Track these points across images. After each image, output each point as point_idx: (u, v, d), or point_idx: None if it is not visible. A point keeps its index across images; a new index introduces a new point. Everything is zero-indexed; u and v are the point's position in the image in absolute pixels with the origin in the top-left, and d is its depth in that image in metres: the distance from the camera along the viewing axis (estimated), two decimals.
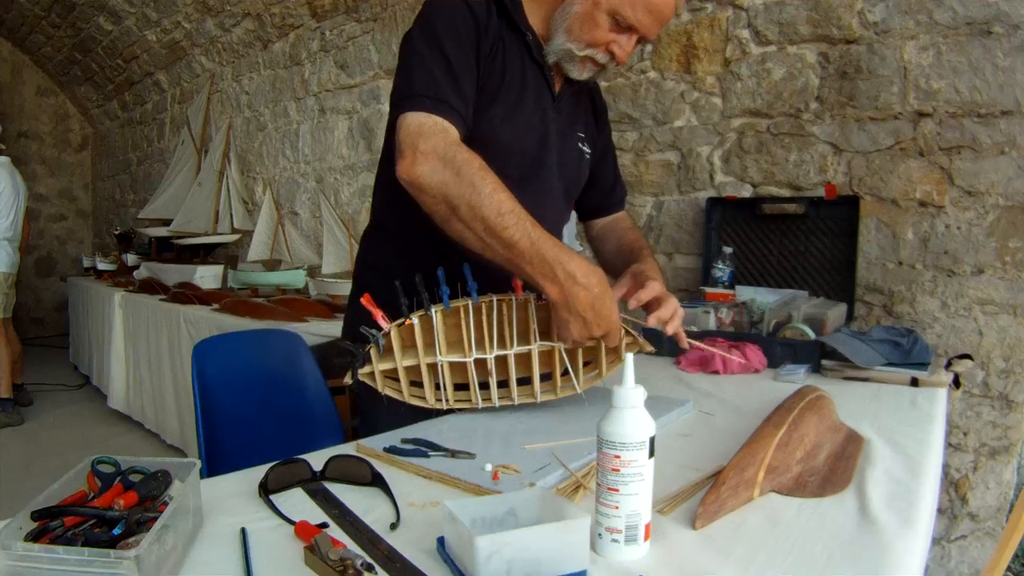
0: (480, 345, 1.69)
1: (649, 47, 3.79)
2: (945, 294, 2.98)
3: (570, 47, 1.89)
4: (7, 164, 6.65)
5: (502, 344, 1.71)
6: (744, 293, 3.09)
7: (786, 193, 3.39)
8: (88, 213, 12.09)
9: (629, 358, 1.08)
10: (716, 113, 3.59)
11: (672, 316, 1.80)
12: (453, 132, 1.67)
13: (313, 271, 5.73)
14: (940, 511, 2.97)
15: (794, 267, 3.30)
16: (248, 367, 2.78)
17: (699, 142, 3.65)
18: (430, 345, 1.68)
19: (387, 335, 1.66)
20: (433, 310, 1.66)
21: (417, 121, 1.65)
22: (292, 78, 6.59)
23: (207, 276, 6.32)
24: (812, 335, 2.58)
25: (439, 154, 1.60)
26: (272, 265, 6.05)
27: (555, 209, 2.07)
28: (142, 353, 5.90)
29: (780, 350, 2.59)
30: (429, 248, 1.78)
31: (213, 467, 2.47)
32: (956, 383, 2.54)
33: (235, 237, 6.85)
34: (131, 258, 8.11)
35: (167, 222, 7.28)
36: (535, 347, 1.71)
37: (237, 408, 2.65)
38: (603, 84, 3.90)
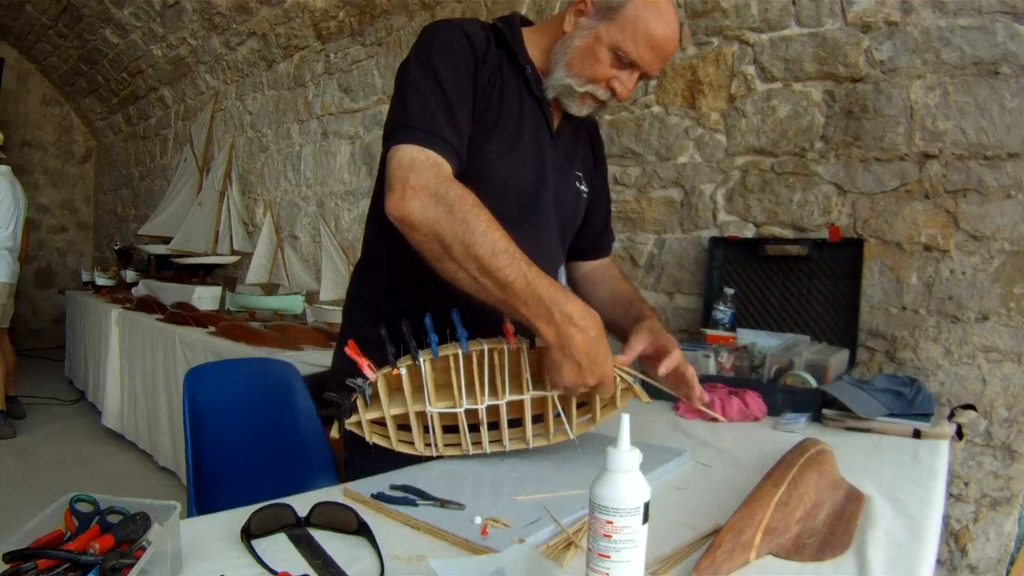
0: (471, 391, 1.64)
1: (654, 81, 3.76)
2: (949, 341, 2.93)
3: (570, 82, 1.87)
4: (8, 173, 6.66)
5: (493, 392, 1.65)
6: (745, 336, 3.05)
7: (789, 234, 3.35)
8: (89, 226, 12.08)
9: (625, 419, 1.04)
10: (720, 150, 3.56)
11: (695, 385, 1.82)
12: (446, 167, 1.62)
13: (311, 297, 5.70)
14: (939, 562, 2.92)
15: (796, 310, 3.26)
16: (240, 396, 2.76)
17: (702, 179, 3.62)
18: (419, 390, 1.64)
19: (373, 384, 1.62)
20: (421, 359, 1.61)
21: (409, 155, 1.60)
22: (296, 100, 6.59)
23: (205, 297, 6.28)
24: (814, 383, 2.54)
25: (431, 190, 1.55)
26: (270, 289, 6.02)
27: (551, 249, 2.03)
28: (137, 372, 5.87)
29: (781, 397, 2.54)
30: (420, 286, 1.71)
31: (202, 495, 2.45)
32: (959, 434, 2.50)
33: (234, 259, 6.83)
34: (130, 274, 8.10)
35: (167, 240, 7.27)
36: (528, 396, 1.66)
37: (228, 437, 2.63)
38: (606, 117, 3.89)
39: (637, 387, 1.69)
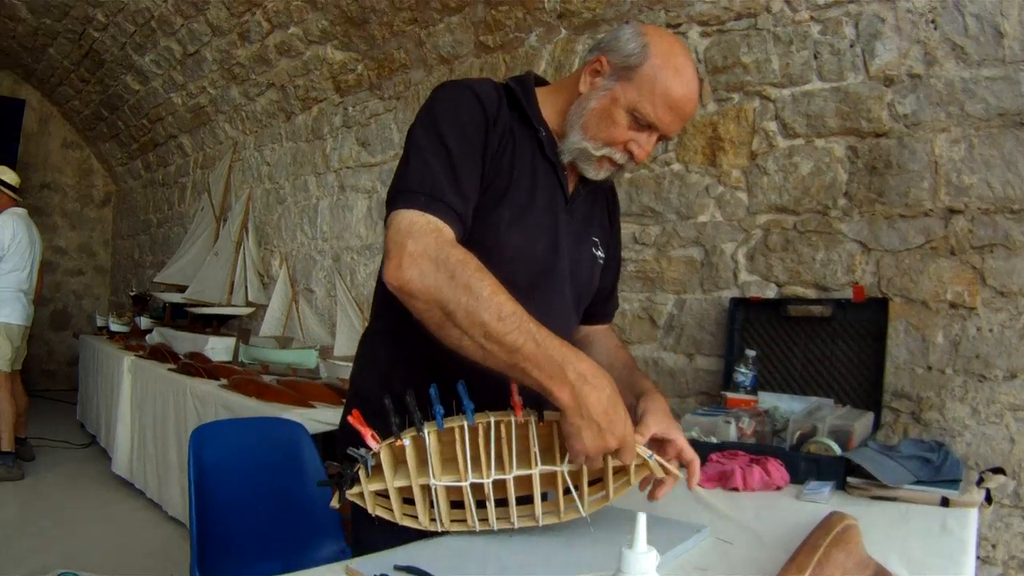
0: (476, 465, 1.57)
1: (674, 138, 3.73)
2: (976, 400, 2.86)
3: (586, 146, 1.80)
4: (24, 216, 6.70)
5: (500, 466, 1.58)
6: (767, 400, 2.98)
7: (812, 293, 3.29)
8: (106, 270, 12.11)
9: (641, 519, 0.97)
10: (741, 208, 3.51)
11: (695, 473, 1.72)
12: (448, 232, 1.56)
13: (325, 352, 5.64)
14: None
15: (819, 371, 3.19)
16: (247, 455, 2.74)
17: (723, 238, 3.57)
18: (424, 463, 1.57)
19: (377, 455, 1.55)
20: (426, 430, 1.54)
21: (408, 220, 1.55)
22: (314, 152, 6.58)
23: (218, 348, 6.25)
24: (838, 450, 2.46)
25: (430, 255, 1.49)
26: (284, 342, 5.98)
27: (564, 319, 1.94)
28: (148, 421, 5.82)
29: (804, 465, 2.46)
30: (427, 355, 1.64)
31: (206, 555, 2.43)
32: (988, 499, 2.42)
33: (249, 310, 6.80)
34: (145, 321, 8.08)
35: (182, 288, 7.25)
36: (536, 471, 1.58)
37: (234, 496, 2.60)
38: (626, 175, 3.85)
39: (652, 462, 1.61)
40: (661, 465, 1.60)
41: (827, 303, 3.18)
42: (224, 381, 4.95)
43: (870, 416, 2.86)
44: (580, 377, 1.43)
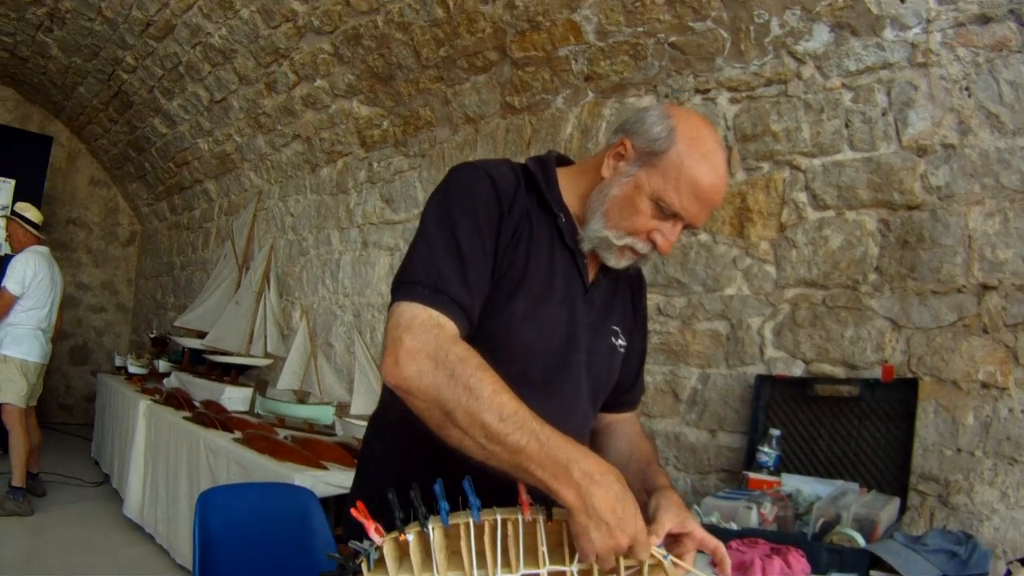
0: (482, 562, 1.51)
1: None
2: (1005, 484, 2.78)
3: (607, 234, 1.73)
4: (47, 254, 6.73)
5: (506, 564, 1.52)
6: (790, 482, 2.93)
7: (840, 371, 3.22)
8: (128, 308, 12.13)
9: None
10: (769, 282, 3.46)
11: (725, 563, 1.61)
12: (450, 327, 1.52)
13: (342, 409, 5.58)
14: None
15: (845, 452, 3.11)
16: (254, 522, 2.69)
17: (750, 312, 3.51)
18: (428, 559, 1.51)
19: (380, 548, 1.49)
20: (430, 526, 1.48)
21: (409, 313, 1.51)
22: (337, 206, 6.57)
23: (235, 398, 6.21)
24: (862, 542, 2.40)
25: (429, 353, 1.46)
26: (301, 395, 5.93)
27: (581, 412, 1.87)
28: (160, 467, 5.78)
29: (827, 557, 2.39)
30: (432, 449, 1.59)
31: None
32: None
33: (267, 362, 6.75)
34: (163, 364, 8.06)
35: (202, 334, 7.23)
36: (544, 571, 1.52)
37: (239, 565, 2.55)
38: None
39: (668, 563, 1.55)
40: (676, 564, 1.53)
41: (855, 383, 3.12)
42: (238, 434, 4.90)
43: (896, 502, 2.79)
44: (586, 476, 1.39)
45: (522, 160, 1.86)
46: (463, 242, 1.60)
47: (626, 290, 2.02)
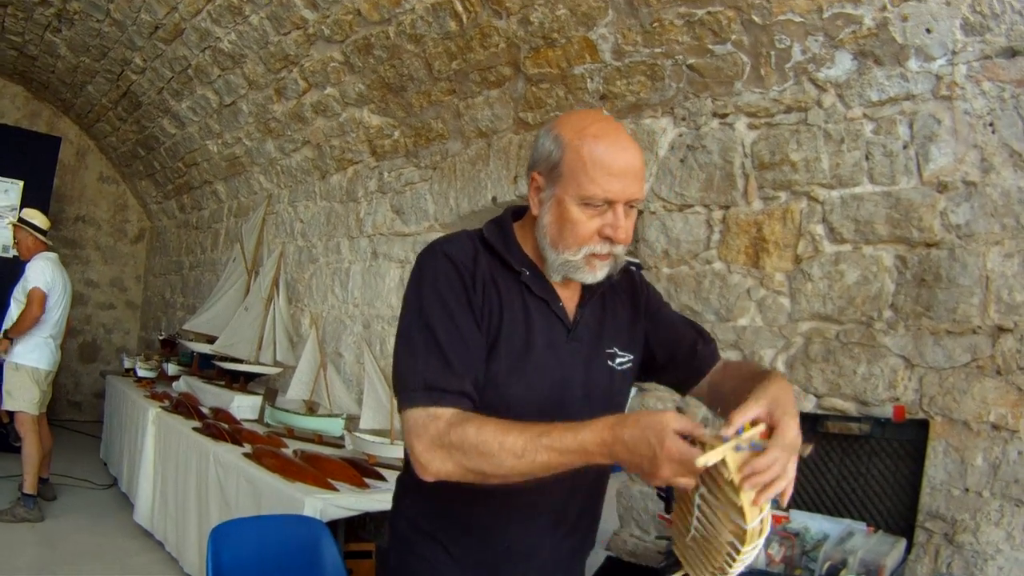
0: None
1: (716, 235, 3.62)
2: (1011, 525, 2.75)
3: (565, 257, 1.78)
4: (56, 260, 6.78)
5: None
6: (798, 519, 2.93)
7: (851, 407, 3.19)
8: (137, 305, 12.17)
9: None
10: (783, 314, 3.41)
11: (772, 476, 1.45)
12: (446, 415, 1.64)
13: (351, 421, 5.54)
14: None
15: (853, 490, 3.10)
16: (265, 557, 2.75)
17: (763, 344, 3.47)
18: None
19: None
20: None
21: (412, 419, 1.67)
22: (348, 214, 6.53)
23: (244, 406, 6.23)
24: None
25: (437, 445, 1.62)
26: (311, 405, 5.90)
27: None
28: (170, 476, 5.78)
29: None
30: (458, 507, 1.82)
31: None
32: None
33: (277, 371, 6.74)
34: (172, 367, 8.08)
35: (211, 339, 7.20)
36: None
37: None
38: (664, 271, 3.76)
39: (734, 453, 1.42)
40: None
41: (866, 420, 3.09)
42: (247, 448, 4.88)
43: (903, 543, 2.80)
44: (601, 445, 1.51)
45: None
46: (438, 331, 1.71)
47: (616, 300, 2.03)
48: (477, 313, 1.76)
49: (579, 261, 1.77)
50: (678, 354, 2.08)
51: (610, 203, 1.71)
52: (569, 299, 1.90)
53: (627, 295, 2.05)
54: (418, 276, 1.80)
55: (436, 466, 1.62)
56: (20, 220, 6.73)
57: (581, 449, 1.52)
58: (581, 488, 1.93)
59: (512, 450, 1.54)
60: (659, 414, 1.47)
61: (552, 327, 1.85)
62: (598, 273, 1.79)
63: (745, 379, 1.84)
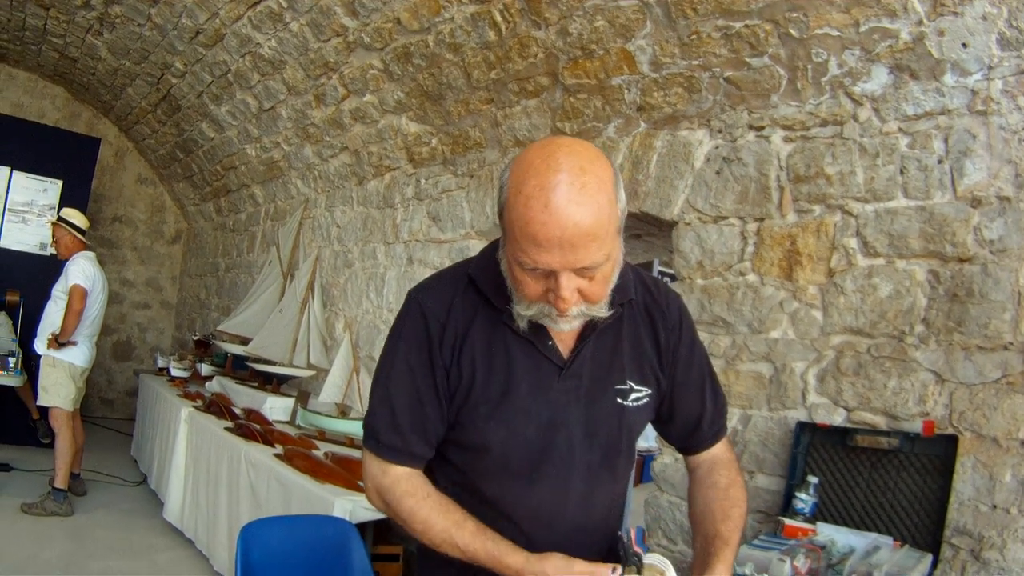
0: None
1: (750, 247, 3.63)
2: None
3: (520, 311, 1.67)
4: (94, 260, 6.81)
5: None
6: (825, 531, 2.95)
7: (881, 421, 3.19)
8: (172, 306, 12.28)
9: None
10: (815, 327, 3.41)
11: None
12: (392, 472, 1.78)
13: None
14: None
15: (881, 503, 3.11)
16: (294, 556, 2.78)
17: (794, 357, 3.47)
18: None
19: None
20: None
21: (366, 460, 1.83)
22: (384, 220, 6.56)
23: (276, 408, 6.26)
24: None
25: (378, 494, 1.81)
26: (343, 409, 5.95)
27: (582, 487, 1.82)
28: (201, 475, 5.83)
29: None
30: (479, 514, 1.78)
31: None
32: None
33: (310, 373, 6.77)
34: (205, 368, 8.15)
35: (245, 340, 7.26)
36: None
37: None
38: (698, 282, 3.77)
39: None
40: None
41: (895, 435, 3.10)
42: (279, 449, 4.93)
43: (928, 559, 2.80)
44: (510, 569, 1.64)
45: None
46: (396, 393, 1.78)
47: (639, 328, 1.89)
48: (440, 373, 1.75)
49: (537, 315, 1.64)
50: (677, 418, 1.98)
51: (549, 272, 1.54)
52: (564, 338, 1.78)
53: (653, 325, 1.90)
54: (395, 325, 1.84)
55: (375, 504, 1.82)
56: (60, 219, 6.80)
57: (489, 562, 1.66)
58: (599, 505, 1.86)
59: (431, 540, 1.71)
60: (549, 559, 1.60)
61: (539, 368, 1.75)
62: (564, 323, 1.66)
63: (707, 530, 1.83)
